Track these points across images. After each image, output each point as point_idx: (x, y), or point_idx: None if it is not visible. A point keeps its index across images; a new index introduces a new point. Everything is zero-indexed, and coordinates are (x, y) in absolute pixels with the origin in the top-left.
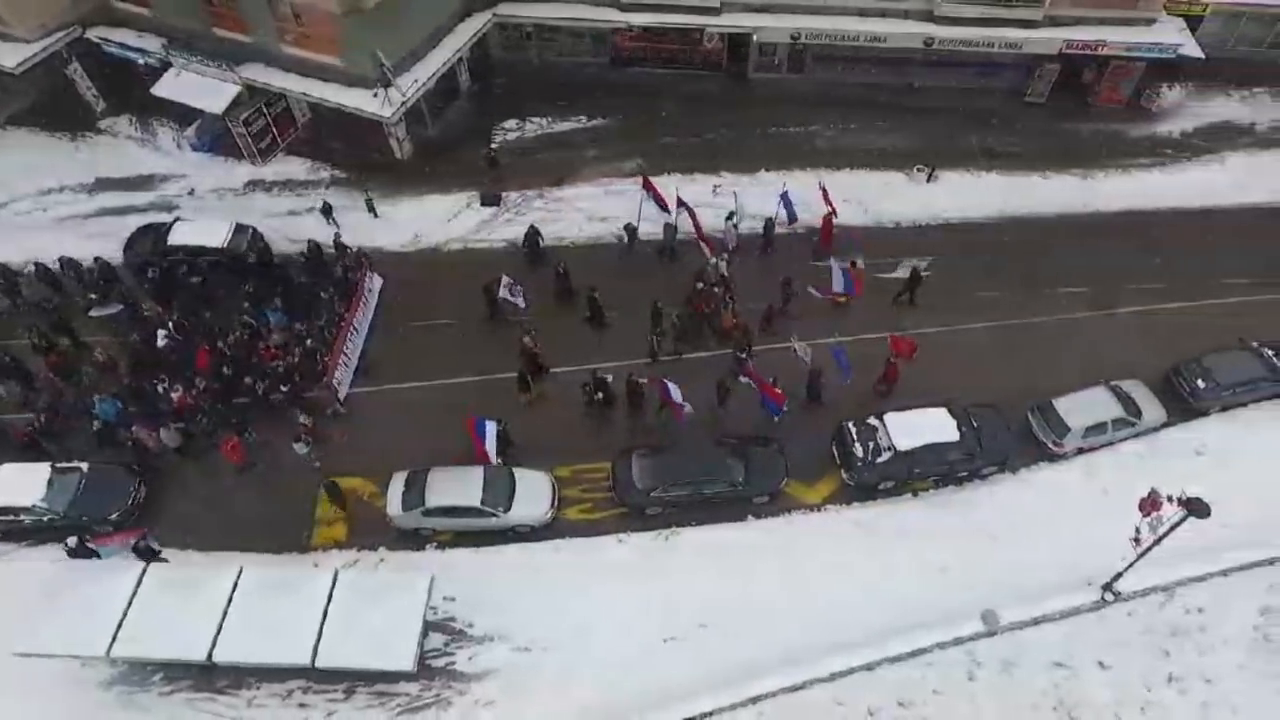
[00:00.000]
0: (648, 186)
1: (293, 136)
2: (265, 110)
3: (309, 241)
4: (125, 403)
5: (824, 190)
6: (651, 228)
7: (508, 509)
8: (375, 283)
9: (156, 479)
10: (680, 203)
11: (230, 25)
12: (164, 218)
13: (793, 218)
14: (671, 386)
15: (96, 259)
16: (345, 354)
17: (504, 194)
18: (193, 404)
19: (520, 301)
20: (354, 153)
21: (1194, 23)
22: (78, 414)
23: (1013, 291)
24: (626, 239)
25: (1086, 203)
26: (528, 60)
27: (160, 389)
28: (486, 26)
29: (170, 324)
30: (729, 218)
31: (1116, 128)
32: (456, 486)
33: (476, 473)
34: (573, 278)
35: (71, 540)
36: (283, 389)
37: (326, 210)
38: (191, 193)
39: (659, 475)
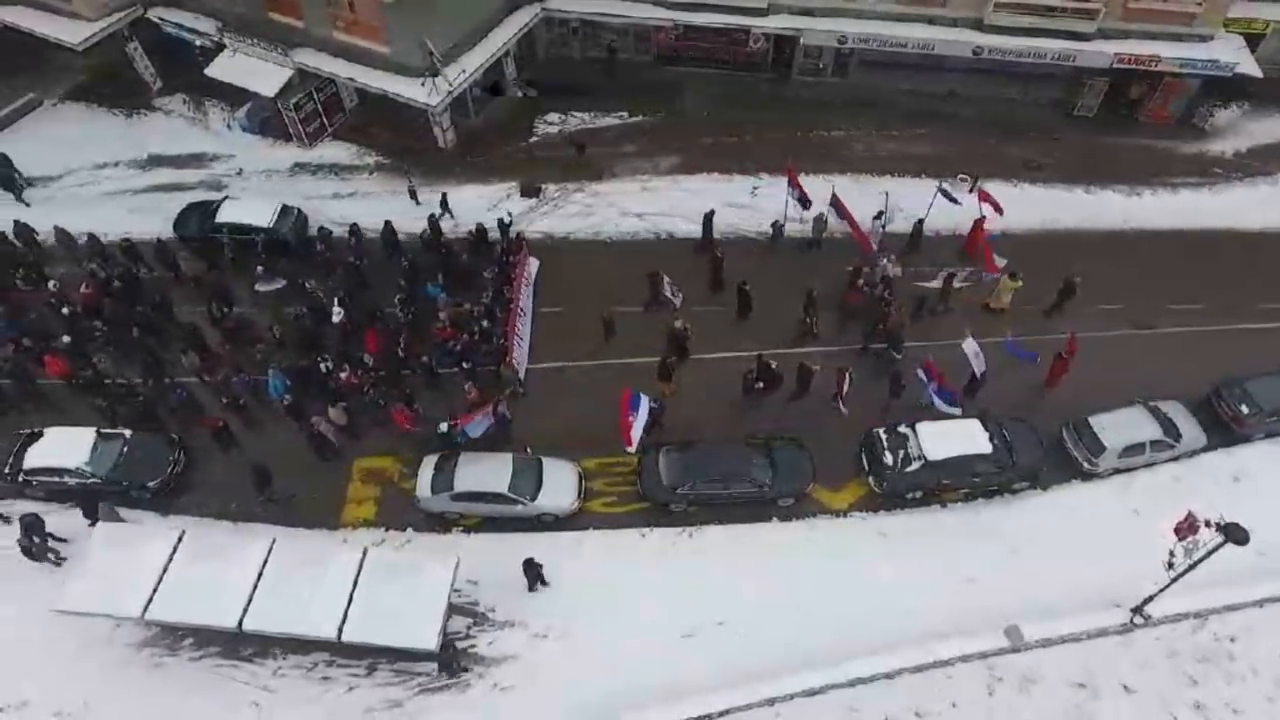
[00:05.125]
0: (792, 181)
1: (340, 122)
2: (315, 95)
3: (477, 224)
4: (293, 380)
5: (984, 193)
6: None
7: (534, 497)
8: (533, 266)
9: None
10: (835, 200)
11: (284, 10)
12: (213, 196)
13: (955, 202)
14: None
15: (264, 235)
16: (518, 334)
17: (543, 186)
18: (358, 383)
19: (677, 300)
20: (398, 139)
21: (1254, 42)
22: (252, 390)
23: (1050, 305)
24: (772, 233)
25: (1129, 219)
26: (572, 56)
27: (325, 368)
28: (534, 20)
29: (338, 300)
30: (877, 217)
31: (1165, 145)
32: (485, 472)
33: (505, 459)
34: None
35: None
36: (464, 365)
37: (413, 193)
38: (239, 173)
39: (686, 472)
